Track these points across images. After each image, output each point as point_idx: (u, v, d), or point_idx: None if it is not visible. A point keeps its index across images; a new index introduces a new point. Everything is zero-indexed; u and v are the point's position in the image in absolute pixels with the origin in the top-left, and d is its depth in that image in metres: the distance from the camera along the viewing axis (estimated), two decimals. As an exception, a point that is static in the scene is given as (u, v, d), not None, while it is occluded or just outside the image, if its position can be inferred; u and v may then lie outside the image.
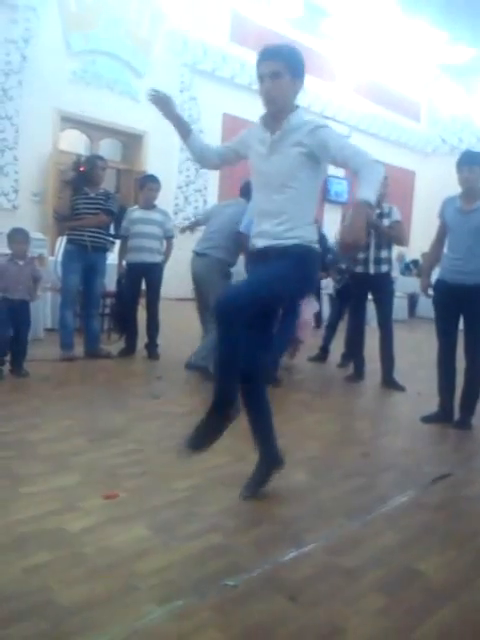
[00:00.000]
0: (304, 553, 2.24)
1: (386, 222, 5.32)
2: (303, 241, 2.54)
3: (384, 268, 5.36)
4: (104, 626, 1.73)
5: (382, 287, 5.43)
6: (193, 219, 6.08)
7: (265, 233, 2.58)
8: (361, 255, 5.36)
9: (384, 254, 5.35)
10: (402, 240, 5.57)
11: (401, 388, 5.29)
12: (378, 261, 5.34)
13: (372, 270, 5.35)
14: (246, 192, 4.65)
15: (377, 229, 5.22)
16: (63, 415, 3.78)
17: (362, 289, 5.51)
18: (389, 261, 5.42)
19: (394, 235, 5.37)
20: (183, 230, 5.79)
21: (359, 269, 5.44)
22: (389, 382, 5.37)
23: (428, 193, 14.95)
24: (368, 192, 2.31)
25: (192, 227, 5.73)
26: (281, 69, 2.45)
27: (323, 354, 6.59)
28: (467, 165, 4.02)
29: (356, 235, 2.29)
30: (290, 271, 2.51)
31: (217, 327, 2.43)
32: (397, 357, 5.43)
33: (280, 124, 2.52)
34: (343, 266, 6.20)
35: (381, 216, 5.30)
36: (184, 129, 2.85)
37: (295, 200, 2.52)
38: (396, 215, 5.38)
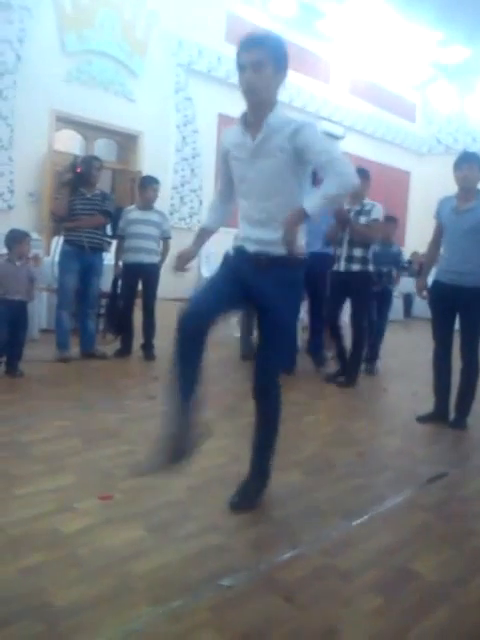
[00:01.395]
0: (300, 554, 2.24)
1: (363, 220, 5.13)
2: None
3: (355, 267, 5.14)
4: (99, 627, 1.72)
5: (354, 286, 5.19)
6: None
7: (259, 240, 2.44)
8: (337, 252, 5.26)
9: (357, 253, 5.13)
10: (372, 240, 5.23)
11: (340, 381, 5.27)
12: (350, 259, 5.16)
13: (343, 268, 5.18)
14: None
15: (349, 227, 5.10)
16: (58, 416, 3.76)
17: (334, 287, 5.34)
18: (363, 260, 5.16)
19: (366, 234, 5.12)
20: None
21: (334, 267, 5.30)
22: (345, 381, 5.31)
23: (423, 193, 14.95)
24: (313, 203, 2.25)
25: None
26: (264, 59, 2.29)
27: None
28: (466, 162, 4.02)
29: (289, 237, 2.27)
30: (292, 305, 2.54)
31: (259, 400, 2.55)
32: (393, 356, 5.45)
33: (260, 125, 2.37)
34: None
35: (360, 213, 5.14)
36: (205, 237, 2.78)
37: (283, 206, 2.36)
38: (376, 213, 5.14)
